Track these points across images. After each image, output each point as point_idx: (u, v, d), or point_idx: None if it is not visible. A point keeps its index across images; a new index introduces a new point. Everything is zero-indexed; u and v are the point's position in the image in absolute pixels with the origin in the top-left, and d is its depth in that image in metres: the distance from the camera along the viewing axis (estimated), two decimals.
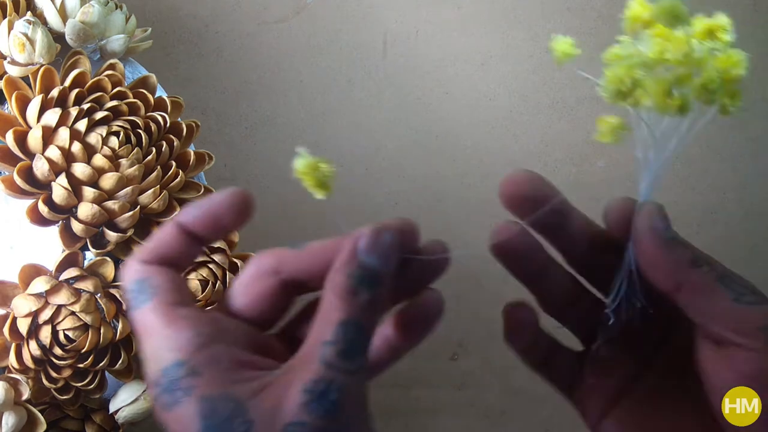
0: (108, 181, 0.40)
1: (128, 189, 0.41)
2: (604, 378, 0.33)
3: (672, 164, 0.79)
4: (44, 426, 0.40)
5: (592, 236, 0.33)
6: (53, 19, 0.43)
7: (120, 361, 0.41)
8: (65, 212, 0.40)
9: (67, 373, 0.40)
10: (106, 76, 0.43)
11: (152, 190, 0.42)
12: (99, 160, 0.40)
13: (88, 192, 0.40)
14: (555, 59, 0.32)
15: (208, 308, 0.30)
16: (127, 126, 0.42)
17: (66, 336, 0.39)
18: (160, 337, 0.27)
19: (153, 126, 0.43)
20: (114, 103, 0.42)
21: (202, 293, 0.43)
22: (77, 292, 0.39)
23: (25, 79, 0.42)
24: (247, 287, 0.30)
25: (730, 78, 0.32)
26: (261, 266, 0.30)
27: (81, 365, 0.40)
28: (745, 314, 0.29)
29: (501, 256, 0.32)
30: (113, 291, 0.41)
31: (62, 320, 0.39)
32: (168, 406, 0.26)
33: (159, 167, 0.42)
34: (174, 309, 0.28)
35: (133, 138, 0.42)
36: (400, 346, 0.32)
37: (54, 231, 0.40)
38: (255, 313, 0.30)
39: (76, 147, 0.40)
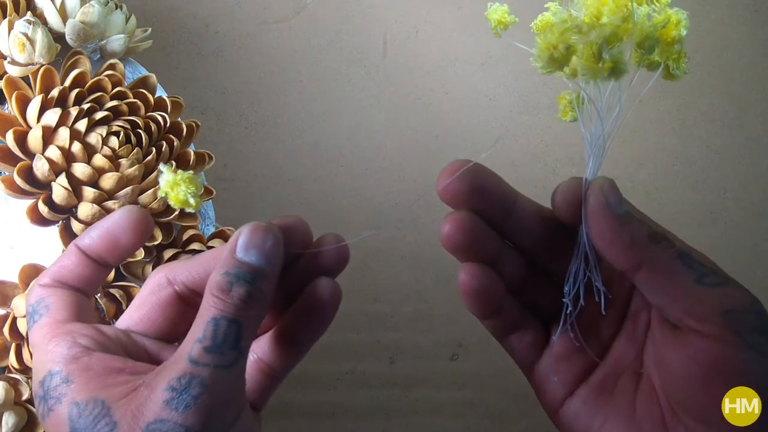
0: (108, 181, 0.40)
1: (128, 189, 0.41)
2: (562, 365, 0.33)
3: (672, 164, 0.78)
4: None
5: (542, 222, 0.32)
6: (53, 19, 0.43)
7: None
8: (65, 212, 0.40)
9: None
10: (106, 76, 0.43)
11: (152, 190, 0.42)
12: (99, 160, 0.40)
13: (88, 192, 0.40)
14: (492, 30, 0.31)
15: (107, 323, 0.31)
16: (127, 126, 0.42)
17: None
18: (42, 351, 0.28)
19: (153, 126, 0.43)
20: (114, 103, 0.42)
21: None
22: None
23: (25, 79, 0.42)
24: (143, 301, 0.31)
25: (670, 39, 0.30)
26: (155, 280, 0.31)
27: None
28: (705, 297, 0.28)
29: (450, 247, 0.31)
30: (113, 291, 0.41)
31: None
32: (44, 414, 0.27)
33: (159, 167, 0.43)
34: (60, 325, 0.29)
35: (133, 138, 0.42)
36: (300, 340, 0.31)
37: (54, 231, 0.40)
38: (154, 325, 0.31)
39: (76, 147, 0.40)
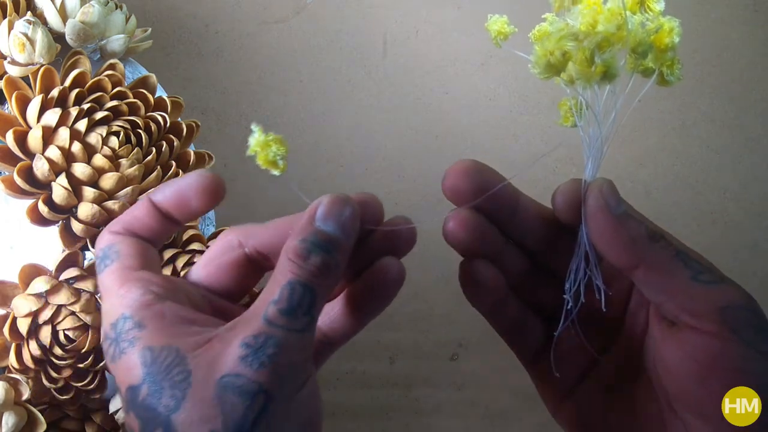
0: (108, 181, 0.40)
1: (128, 189, 0.41)
2: (563, 361, 0.33)
3: (672, 164, 0.79)
4: (44, 426, 0.40)
5: (544, 221, 0.32)
6: (53, 19, 0.43)
7: None
8: (65, 212, 0.40)
9: (67, 373, 0.40)
10: (106, 76, 0.43)
11: (152, 190, 0.42)
12: (99, 160, 0.40)
13: (88, 192, 0.40)
14: (492, 40, 0.32)
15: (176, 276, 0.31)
16: (127, 126, 0.42)
17: (66, 336, 0.39)
18: (114, 296, 0.28)
19: (153, 126, 0.43)
20: (114, 103, 0.42)
21: None
22: (77, 292, 0.39)
23: (26, 79, 0.42)
24: (212, 260, 0.32)
25: (663, 46, 0.30)
26: (227, 240, 0.32)
27: (81, 365, 0.40)
28: (702, 293, 0.28)
29: (454, 243, 0.32)
30: None
31: (62, 320, 0.39)
32: (114, 356, 0.27)
33: (159, 167, 0.42)
34: (131, 272, 0.29)
35: (133, 138, 0.42)
36: (362, 314, 0.32)
37: (54, 231, 0.40)
38: (219, 284, 0.31)
39: (76, 147, 0.40)
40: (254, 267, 0.32)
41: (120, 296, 0.28)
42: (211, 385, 0.25)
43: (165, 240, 0.33)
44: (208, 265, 0.31)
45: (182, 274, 0.43)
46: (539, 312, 0.34)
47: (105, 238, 0.30)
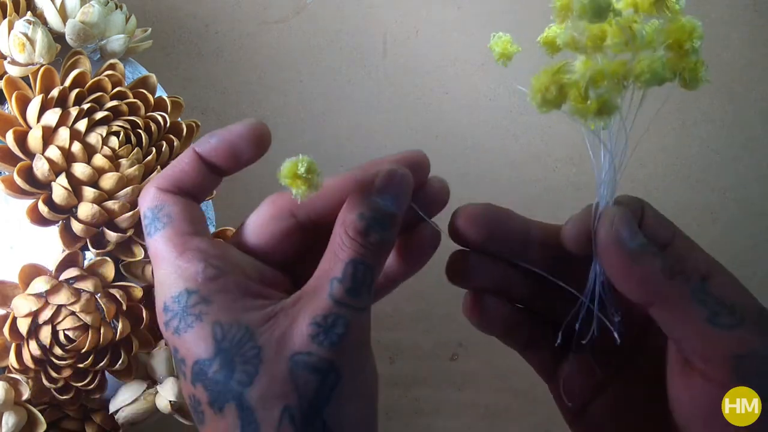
0: (108, 181, 0.40)
1: (128, 189, 0.41)
2: (577, 379, 0.33)
3: (672, 164, 0.78)
4: (44, 426, 0.40)
5: (557, 249, 0.31)
6: (53, 19, 0.43)
7: (120, 361, 0.41)
8: (65, 212, 0.40)
9: (67, 373, 0.40)
10: (106, 76, 0.43)
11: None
12: (99, 160, 0.40)
13: (88, 192, 0.40)
14: (496, 60, 0.31)
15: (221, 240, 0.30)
16: (127, 126, 0.42)
17: (66, 336, 0.39)
18: (172, 266, 0.28)
19: (153, 126, 0.43)
20: (114, 103, 0.42)
21: None
22: (77, 292, 0.39)
23: (25, 79, 0.42)
24: (262, 227, 0.31)
25: (683, 51, 0.28)
26: (278, 207, 0.31)
27: (81, 365, 0.40)
28: (716, 339, 0.27)
29: (463, 240, 0.31)
30: (113, 291, 0.41)
31: (62, 320, 0.39)
32: (180, 330, 0.27)
33: (159, 167, 0.42)
34: (186, 239, 0.29)
35: (133, 138, 0.42)
36: (395, 276, 0.32)
37: (54, 231, 0.40)
38: (269, 252, 0.31)
39: (76, 147, 0.40)
40: (306, 235, 0.31)
41: (179, 267, 0.28)
42: (282, 362, 0.26)
43: (208, 195, 0.33)
44: (259, 234, 0.31)
45: None
46: (555, 325, 0.33)
47: (152, 195, 0.29)
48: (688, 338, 0.28)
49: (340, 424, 0.26)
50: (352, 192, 0.29)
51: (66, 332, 0.39)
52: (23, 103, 0.40)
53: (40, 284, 0.39)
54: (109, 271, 0.41)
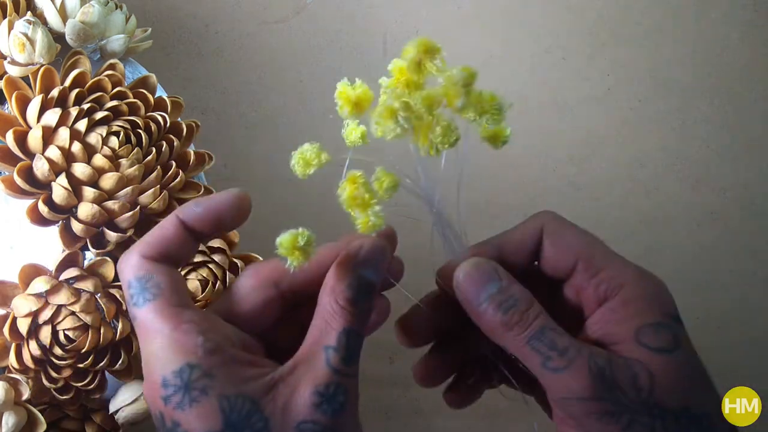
0: (108, 181, 0.40)
1: (128, 189, 0.41)
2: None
3: (672, 164, 0.78)
4: (44, 426, 0.40)
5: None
6: (53, 19, 0.43)
7: (120, 361, 0.41)
8: (65, 212, 0.40)
9: (67, 373, 0.40)
10: (106, 76, 0.43)
11: (152, 190, 0.42)
12: (99, 160, 0.40)
13: (88, 192, 0.40)
14: (297, 170, 0.32)
15: (204, 309, 0.31)
16: (127, 126, 0.42)
17: (66, 336, 0.39)
18: (168, 339, 0.28)
19: (153, 126, 0.43)
20: (114, 103, 0.42)
21: (202, 293, 0.43)
22: (77, 292, 0.39)
23: (25, 79, 0.42)
24: (245, 297, 0.32)
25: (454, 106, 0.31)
26: (261, 277, 0.32)
27: (81, 365, 0.40)
28: (549, 382, 0.30)
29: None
30: (113, 291, 0.41)
31: (62, 320, 0.39)
32: (183, 405, 0.27)
33: (159, 167, 0.42)
34: (178, 311, 0.29)
35: (133, 138, 0.42)
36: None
37: (54, 231, 0.40)
38: (249, 320, 0.32)
39: (76, 147, 0.40)
40: (284, 303, 0.32)
41: (176, 340, 0.28)
42: (289, 431, 0.28)
43: (187, 261, 0.33)
44: (242, 303, 0.32)
45: (182, 274, 0.43)
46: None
47: (137, 263, 0.30)
48: (540, 381, 0.30)
49: None
50: (337, 264, 0.31)
51: (66, 332, 0.39)
52: (23, 103, 0.40)
53: (40, 284, 0.39)
54: (109, 271, 0.41)
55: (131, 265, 0.30)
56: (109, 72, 0.43)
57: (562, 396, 0.29)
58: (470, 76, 0.31)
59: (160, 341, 0.28)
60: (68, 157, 0.40)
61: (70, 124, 0.40)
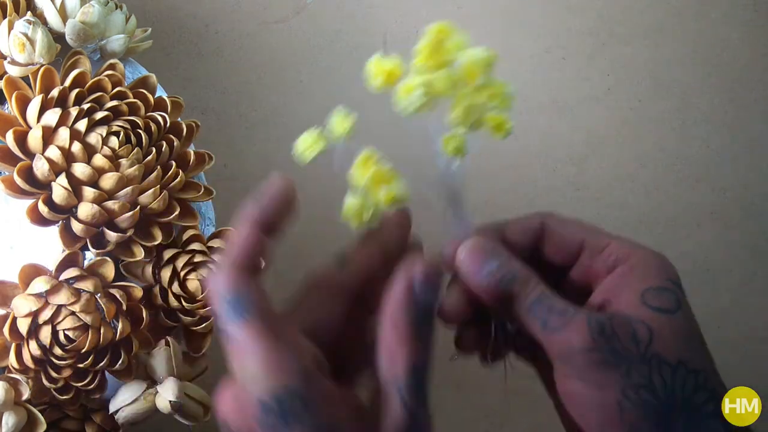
0: (108, 181, 0.40)
1: (128, 189, 0.41)
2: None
3: (672, 164, 0.78)
4: (44, 426, 0.40)
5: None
6: (53, 19, 0.43)
7: (120, 361, 0.41)
8: (65, 212, 0.40)
9: (67, 373, 0.40)
10: (106, 76, 0.43)
11: (152, 190, 0.42)
12: (99, 160, 0.40)
13: (88, 192, 0.40)
14: (299, 156, 0.34)
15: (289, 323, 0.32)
16: (127, 126, 0.42)
17: (66, 336, 0.39)
18: (264, 361, 0.28)
19: (153, 126, 0.43)
20: (114, 103, 0.42)
21: (202, 293, 0.43)
22: (77, 292, 0.39)
23: (25, 79, 0.42)
24: (318, 308, 0.32)
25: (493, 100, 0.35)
26: (329, 286, 0.33)
27: (81, 365, 0.40)
28: (550, 343, 0.31)
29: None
30: (113, 291, 0.41)
31: (62, 320, 0.39)
32: (278, 427, 0.28)
33: (159, 167, 0.42)
34: (274, 331, 0.29)
35: (133, 138, 0.42)
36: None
37: (54, 231, 0.40)
38: (322, 332, 0.32)
39: (76, 147, 0.40)
40: (348, 311, 0.33)
41: (273, 362, 0.28)
42: None
43: (267, 263, 0.33)
44: (313, 314, 0.32)
45: (182, 274, 0.43)
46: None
47: (230, 280, 0.29)
48: (543, 343, 0.32)
49: None
50: (395, 285, 0.30)
51: (66, 332, 0.39)
52: (23, 103, 0.40)
53: (40, 284, 0.39)
54: (109, 271, 0.41)
55: (225, 282, 0.29)
56: (109, 72, 0.43)
57: (563, 352, 0.30)
58: (491, 57, 0.33)
59: (257, 361, 0.28)
60: (68, 157, 0.40)
61: (70, 124, 0.40)
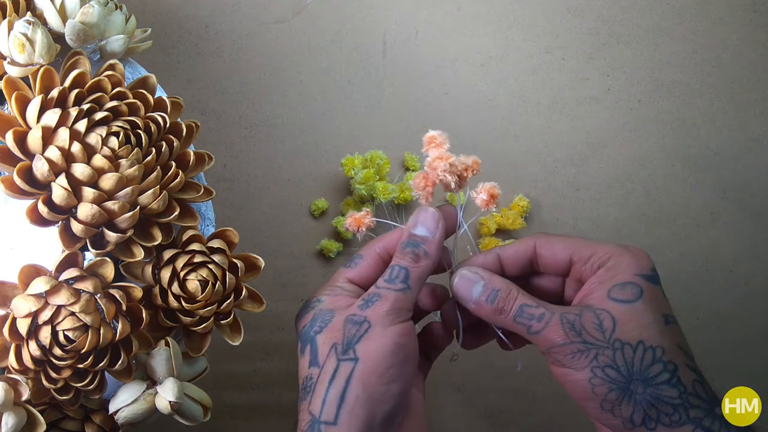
0: (108, 181, 0.40)
1: (128, 189, 0.41)
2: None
3: (672, 164, 0.79)
4: (44, 426, 0.40)
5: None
6: (53, 19, 0.43)
7: (120, 362, 0.41)
8: (65, 212, 0.40)
9: (66, 373, 0.40)
10: (106, 76, 0.43)
11: (152, 190, 0.42)
12: (99, 160, 0.40)
13: (88, 192, 0.40)
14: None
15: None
16: (127, 126, 0.42)
17: (66, 336, 0.39)
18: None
19: (153, 126, 0.43)
20: (114, 103, 0.42)
21: (202, 293, 0.43)
22: (77, 293, 0.39)
23: (25, 79, 0.42)
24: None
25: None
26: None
27: (81, 366, 0.40)
28: (536, 343, 0.39)
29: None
30: (113, 291, 0.41)
31: (62, 321, 0.39)
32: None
33: (159, 167, 0.42)
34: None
35: (133, 138, 0.42)
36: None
37: (54, 231, 0.40)
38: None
39: (76, 147, 0.40)
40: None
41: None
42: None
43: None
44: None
45: (182, 274, 0.43)
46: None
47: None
48: (532, 342, 0.40)
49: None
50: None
51: (66, 333, 0.39)
52: (23, 104, 0.40)
53: (39, 284, 0.39)
54: (108, 271, 0.41)
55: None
56: (109, 72, 0.43)
57: (547, 348, 0.38)
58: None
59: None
60: (68, 157, 0.40)
61: (69, 125, 0.40)
